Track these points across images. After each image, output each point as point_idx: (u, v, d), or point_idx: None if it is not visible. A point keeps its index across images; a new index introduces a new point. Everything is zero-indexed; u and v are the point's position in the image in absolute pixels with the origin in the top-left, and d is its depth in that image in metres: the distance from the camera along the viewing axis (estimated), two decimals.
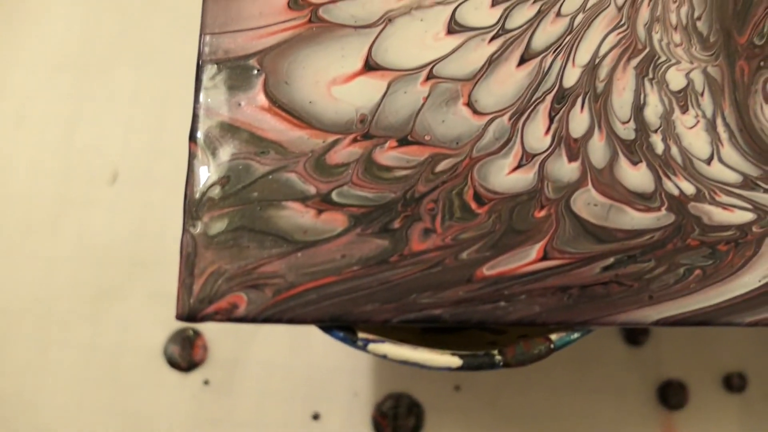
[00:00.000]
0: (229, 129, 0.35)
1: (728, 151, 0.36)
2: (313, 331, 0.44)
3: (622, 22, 0.38)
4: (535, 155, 0.36)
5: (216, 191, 0.33)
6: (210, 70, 0.35)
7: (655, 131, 0.36)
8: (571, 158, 0.36)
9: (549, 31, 0.38)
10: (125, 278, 0.55)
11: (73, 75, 0.60)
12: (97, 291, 0.56)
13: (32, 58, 0.61)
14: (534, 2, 0.38)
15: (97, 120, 0.59)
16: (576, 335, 0.35)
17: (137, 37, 0.61)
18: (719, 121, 0.36)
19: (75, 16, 0.61)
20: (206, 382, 0.54)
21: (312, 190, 0.33)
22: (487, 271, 0.34)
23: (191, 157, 0.34)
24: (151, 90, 0.59)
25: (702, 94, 0.37)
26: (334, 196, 0.33)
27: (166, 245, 0.57)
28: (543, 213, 0.35)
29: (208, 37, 0.36)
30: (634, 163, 0.36)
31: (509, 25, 0.37)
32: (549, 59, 0.37)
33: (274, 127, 0.35)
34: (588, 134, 0.36)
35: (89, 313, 0.56)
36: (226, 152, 0.34)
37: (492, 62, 0.37)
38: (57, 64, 0.61)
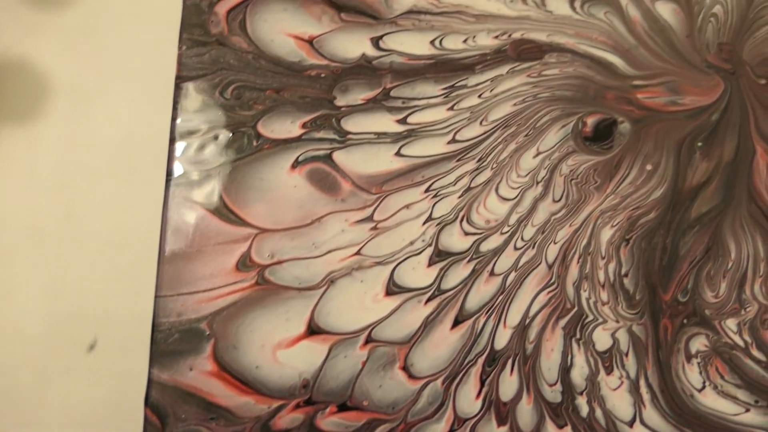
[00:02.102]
0: (181, 395, 0.37)
1: (650, 413, 0.38)
2: None
3: (552, 281, 0.40)
4: (466, 419, 0.38)
5: None
6: (164, 332, 0.38)
7: (581, 393, 0.38)
8: (500, 422, 0.38)
9: (482, 290, 0.40)
10: None
11: (53, 243, 0.62)
12: None
13: (9, 228, 0.63)
14: (468, 261, 0.40)
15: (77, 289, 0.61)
16: None
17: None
18: (642, 382, 0.38)
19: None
20: None
21: None
22: None
23: (146, 423, 0.36)
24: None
25: (626, 354, 0.39)
26: None
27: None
28: None
29: (161, 300, 0.38)
30: (560, 427, 0.38)
31: (445, 285, 0.40)
32: (482, 320, 0.39)
33: (224, 393, 0.38)
34: (517, 397, 0.38)
35: None
36: (178, 419, 0.37)
37: (427, 324, 0.39)
38: (37, 239, 0.63)
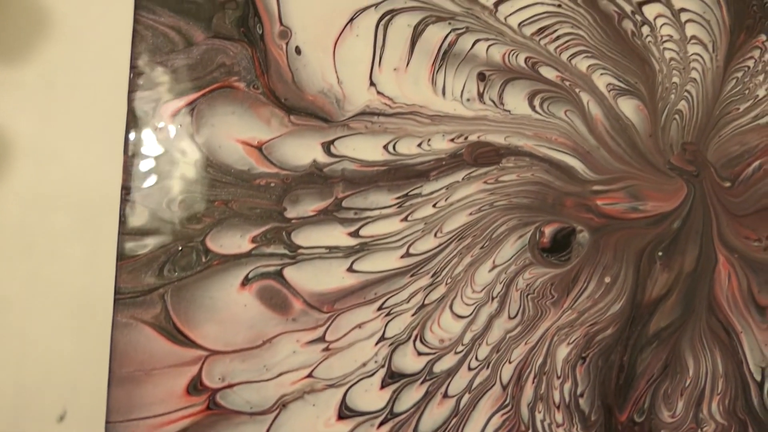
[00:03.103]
0: None
1: None
2: None
3: (507, 402, 0.60)
4: None
5: None
6: None
7: None
8: None
9: (436, 414, 0.60)
10: None
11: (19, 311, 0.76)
12: None
13: None
14: (422, 383, 0.60)
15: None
16: None
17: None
18: None
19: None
20: None
21: None
22: None
23: None
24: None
25: None
26: None
27: None
28: None
29: (112, 427, 0.56)
30: None
31: (398, 408, 0.59)
32: None
33: None
34: None
35: None
36: None
37: None
38: (2, 307, 0.78)
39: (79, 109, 0.63)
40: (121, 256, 0.54)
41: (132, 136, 0.55)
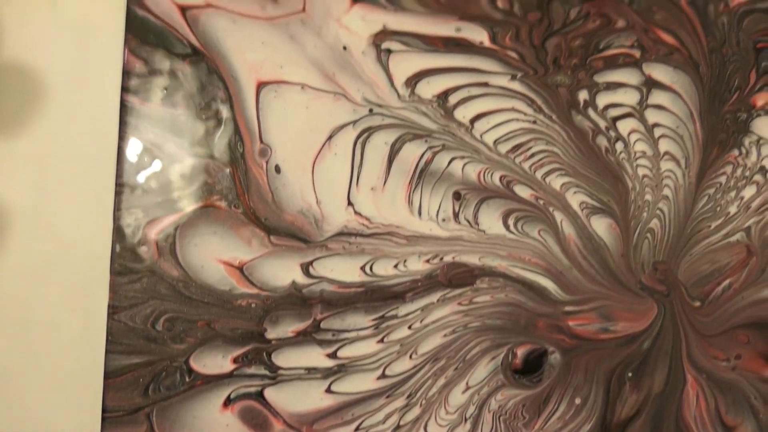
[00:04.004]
0: None
1: None
2: None
3: None
4: None
5: None
6: None
7: None
8: None
9: None
10: None
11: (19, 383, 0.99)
12: None
13: None
14: None
15: None
16: None
17: None
18: None
19: None
20: None
21: None
22: None
23: None
24: None
25: None
26: None
27: None
28: None
29: None
30: None
31: None
32: None
33: None
34: None
35: None
36: None
37: None
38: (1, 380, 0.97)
39: (72, 181, 0.90)
40: (108, 375, 0.80)
41: (117, 248, 0.81)
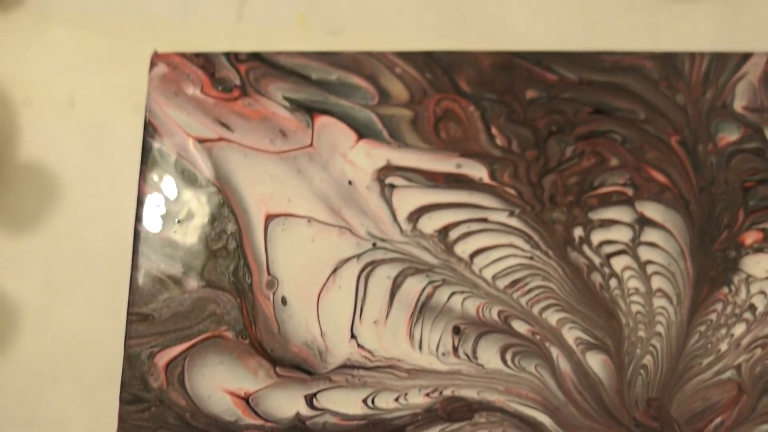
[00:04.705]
0: None
1: None
2: None
3: None
4: None
5: None
6: None
7: None
8: None
9: None
10: None
11: None
12: None
13: None
14: None
15: None
16: None
17: None
18: None
19: None
20: None
21: None
22: None
23: None
24: None
25: None
26: None
27: None
28: None
29: None
30: None
31: None
32: None
33: None
34: None
35: None
36: None
37: None
38: None
39: (84, 280, 0.99)
40: None
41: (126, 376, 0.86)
